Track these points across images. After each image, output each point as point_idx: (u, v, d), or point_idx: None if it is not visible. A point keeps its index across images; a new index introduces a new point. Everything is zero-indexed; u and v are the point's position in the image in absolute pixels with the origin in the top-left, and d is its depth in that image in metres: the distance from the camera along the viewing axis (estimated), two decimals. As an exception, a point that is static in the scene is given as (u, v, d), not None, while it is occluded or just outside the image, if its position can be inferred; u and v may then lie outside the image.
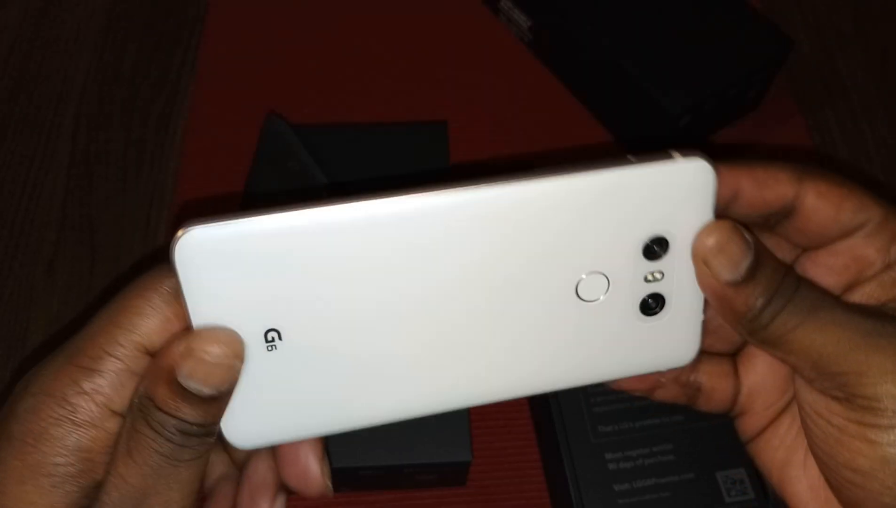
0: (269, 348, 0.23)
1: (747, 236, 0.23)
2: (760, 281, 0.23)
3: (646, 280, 0.24)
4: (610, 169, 0.23)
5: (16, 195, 0.49)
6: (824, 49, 0.55)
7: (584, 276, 0.24)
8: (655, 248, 0.24)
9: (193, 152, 0.50)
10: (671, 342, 0.25)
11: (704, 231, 0.24)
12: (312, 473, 0.25)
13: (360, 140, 0.49)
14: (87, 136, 0.51)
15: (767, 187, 0.24)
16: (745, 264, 0.23)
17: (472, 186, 0.23)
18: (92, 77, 0.53)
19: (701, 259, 0.24)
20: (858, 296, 0.25)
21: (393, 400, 0.24)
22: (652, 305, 0.25)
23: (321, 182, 0.45)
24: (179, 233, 0.21)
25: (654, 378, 0.27)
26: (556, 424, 0.36)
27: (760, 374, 0.27)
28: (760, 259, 0.23)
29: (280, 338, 0.23)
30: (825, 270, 0.25)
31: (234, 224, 0.22)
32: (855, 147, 0.51)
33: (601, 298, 0.24)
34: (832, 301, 0.24)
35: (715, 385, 0.27)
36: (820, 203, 0.25)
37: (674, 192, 0.24)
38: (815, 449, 0.25)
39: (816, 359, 0.23)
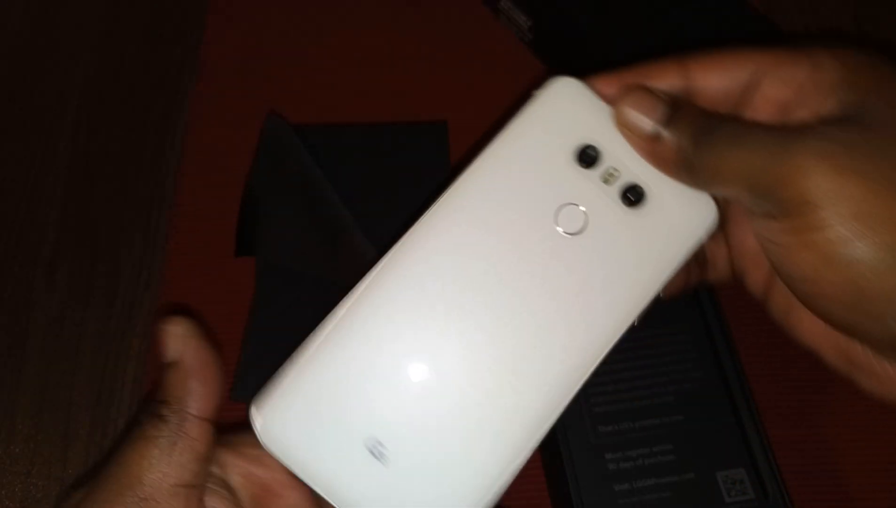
0: (376, 453, 0.24)
1: (656, 91, 0.26)
2: (681, 125, 0.25)
3: (606, 182, 0.26)
4: (516, 119, 0.26)
5: (16, 195, 0.49)
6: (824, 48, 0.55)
7: (557, 217, 0.26)
8: (589, 154, 0.26)
9: (194, 152, 0.50)
10: (685, 214, 0.26)
11: (616, 104, 0.26)
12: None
13: (360, 140, 0.49)
14: (87, 136, 0.51)
15: (723, 73, 0.26)
16: (659, 112, 0.25)
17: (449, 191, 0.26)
18: (92, 77, 0.53)
19: (623, 127, 0.26)
20: None
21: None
22: (633, 197, 0.26)
23: (321, 183, 0.45)
24: (257, 422, 0.24)
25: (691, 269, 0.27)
26: (556, 424, 0.37)
27: (740, 235, 0.28)
28: (677, 106, 0.25)
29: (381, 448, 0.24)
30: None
31: (293, 380, 0.24)
32: (855, 147, 0.51)
33: (589, 222, 0.26)
34: (754, 126, 0.24)
35: (713, 253, 0.29)
36: (708, 78, 0.26)
37: (566, 106, 0.26)
38: (781, 279, 0.25)
39: (749, 181, 0.23)
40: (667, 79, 0.26)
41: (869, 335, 0.24)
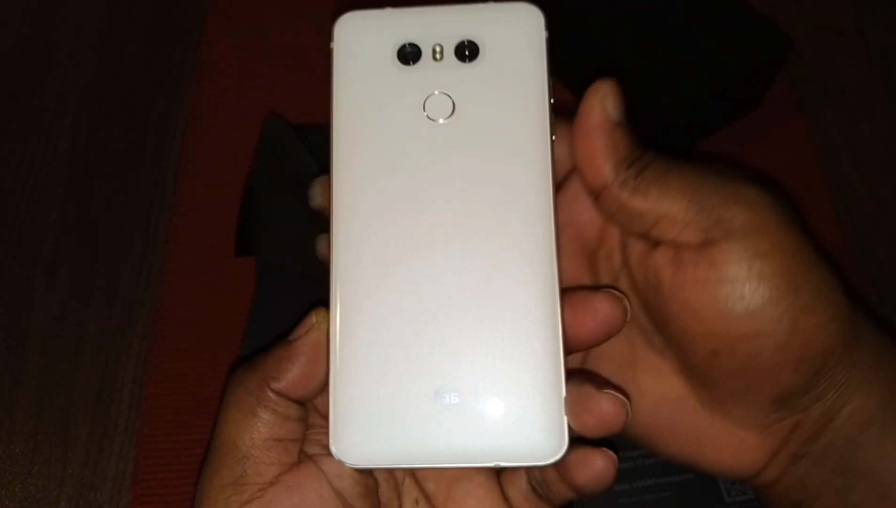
0: (448, 397, 0.25)
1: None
2: (630, 135, 0.27)
3: (438, 60, 0.27)
4: (334, 81, 0.28)
5: (16, 195, 0.49)
6: (824, 49, 0.55)
7: (429, 115, 0.27)
8: (409, 50, 0.27)
9: (193, 152, 0.50)
10: (519, 31, 0.27)
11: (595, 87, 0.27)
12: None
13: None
14: (87, 136, 0.51)
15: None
16: (621, 108, 0.27)
17: None
18: (92, 77, 0.53)
19: (595, 100, 0.27)
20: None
21: None
22: (469, 52, 0.27)
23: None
24: (343, 459, 0.25)
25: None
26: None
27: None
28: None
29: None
30: None
31: (341, 403, 0.25)
32: (855, 147, 0.51)
33: (453, 100, 0.27)
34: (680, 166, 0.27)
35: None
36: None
37: (360, 34, 0.28)
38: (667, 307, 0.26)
39: (693, 195, 0.26)
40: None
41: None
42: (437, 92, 0.27)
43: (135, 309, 0.45)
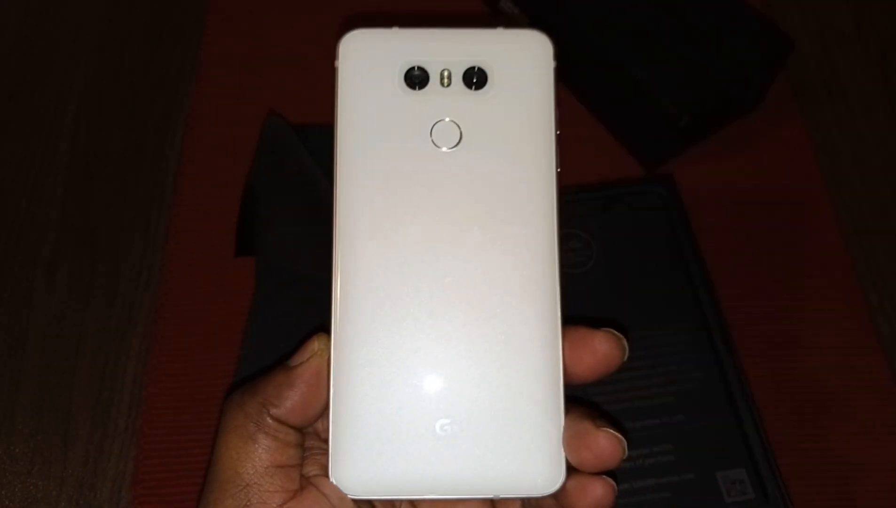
0: (448, 431, 0.25)
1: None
2: None
3: (447, 85, 0.26)
4: (340, 98, 0.27)
5: (16, 195, 0.49)
6: (824, 49, 0.55)
7: (435, 143, 0.26)
8: (417, 74, 0.27)
9: (193, 152, 0.50)
10: (528, 57, 0.27)
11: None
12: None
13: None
14: (88, 136, 0.51)
15: None
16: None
17: None
18: (92, 77, 0.53)
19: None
20: None
21: None
22: (478, 79, 0.26)
23: (320, 183, 0.45)
24: (343, 488, 0.25)
25: None
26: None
27: None
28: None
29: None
30: None
31: (342, 434, 0.25)
32: (854, 146, 0.51)
33: (460, 127, 0.26)
34: None
35: None
36: None
37: (367, 55, 0.27)
38: None
39: None
40: None
41: None
42: (445, 119, 0.26)
43: (135, 309, 0.45)
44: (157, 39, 0.55)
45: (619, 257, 0.41)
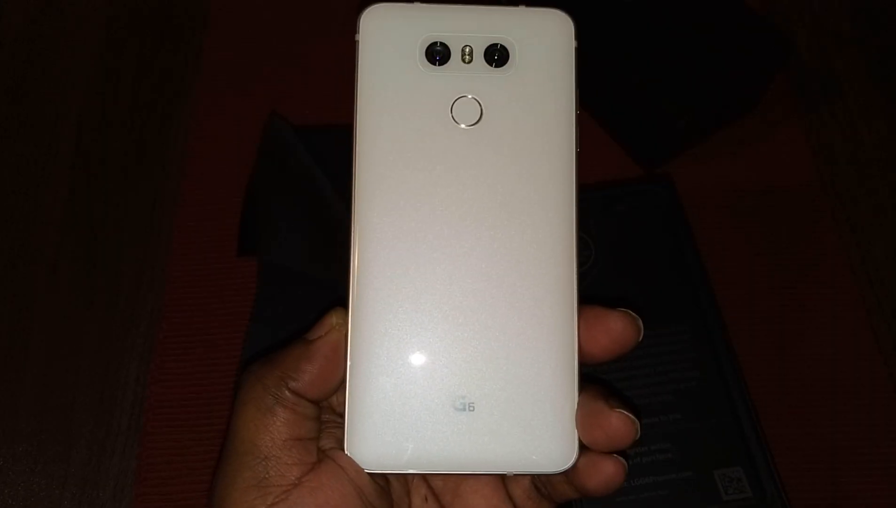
0: (466, 407, 0.25)
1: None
2: None
3: (469, 62, 0.26)
4: (361, 71, 0.26)
5: (18, 196, 0.49)
6: (822, 50, 0.55)
7: (455, 119, 0.26)
8: (439, 50, 0.26)
9: (196, 153, 0.50)
10: (550, 36, 0.27)
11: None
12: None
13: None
14: (90, 136, 0.51)
15: None
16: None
17: None
18: (94, 78, 0.53)
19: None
20: None
21: None
22: (499, 57, 0.26)
23: (322, 184, 0.45)
24: (359, 462, 0.25)
25: None
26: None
27: None
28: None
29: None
30: None
31: (358, 409, 0.25)
32: (853, 147, 0.51)
33: (482, 104, 0.26)
34: None
35: None
36: None
37: (387, 30, 0.27)
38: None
39: None
40: None
41: None
42: (466, 96, 0.26)
43: (137, 308, 0.45)
44: (159, 40, 0.55)
45: (618, 257, 0.41)
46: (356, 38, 0.26)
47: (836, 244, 0.47)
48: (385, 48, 0.26)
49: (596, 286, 0.40)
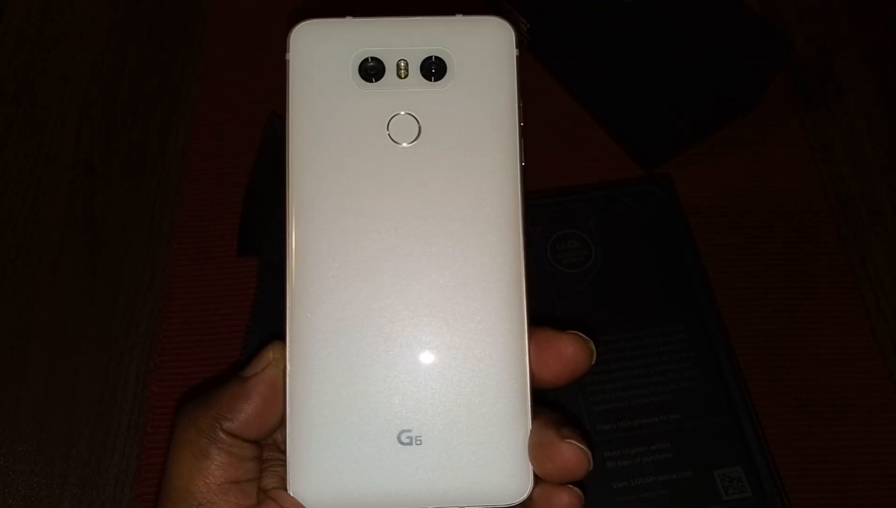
0: (411, 441, 0.24)
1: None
2: None
3: (403, 77, 0.25)
4: (291, 90, 0.26)
5: (19, 196, 0.49)
6: (822, 50, 0.55)
7: (392, 137, 0.25)
8: (372, 66, 0.25)
9: (196, 153, 0.50)
10: (487, 45, 0.26)
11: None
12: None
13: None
14: (90, 137, 0.51)
15: None
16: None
17: None
18: (95, 78, 0.53)
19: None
20: None
21: None
22: (436, 70, 0.25)
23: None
24: (306, 503, 0.24)
25: None
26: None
27: None
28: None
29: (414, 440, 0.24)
30: None
31: (300, 450, 0.24)
32: (852, 147, 0.51)
33: (419, 120, 0.25)
34: None
35: None
36: None
37: (317, 47, 0.26)
38: None
39: None
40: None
41: None
42: (402, 112, 0.25)
43: (138, 308, 0.45)
44: (159, 40, 0.55)
45: (618, 258, 0.41)
46: (286, 58, 0.25)
47: (836, 244, 0.47)
48: (316, 67, 0.25)
49: (596, 286, 0.40)
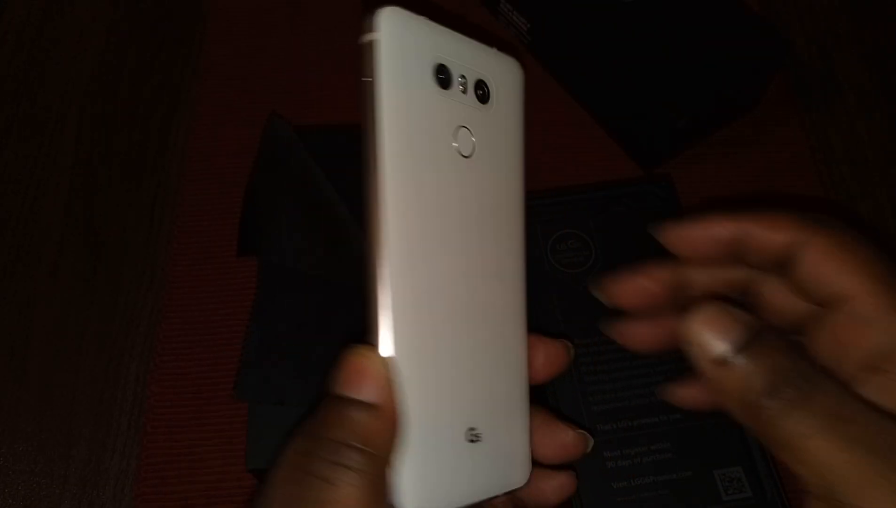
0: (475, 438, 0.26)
1: (739, 313, 0.22)
2: (761, 359, 0.21)
3: (465, 91, 0.26)
4: (378, 83, 0.25)
5: (19, 196, 0.49)
6: (821, 50, 0.55)
7: (456, 147, 0.26)
8: (443, 74, 0.26)
9: (196, 153, 0.50)
10: (507, 80, 0.28)
11: (688, 320, 0.22)
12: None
13: (361, 140, 0.49)
14: (91, 137, 0.51)
15: (775, 230, 0.24)
16: (735, 334, 0.21)
17: None
18: (95, 78, 0.53)
19: (687, 339, 0.22)
20: (874, 390, 0.21)
21: None
22: (482, 92, 0.27)
23: (322, 184, 0.45)
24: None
25: None
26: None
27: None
28: (762, 335, 0.21)
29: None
30: (830, 355, 0.23)
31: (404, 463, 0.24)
32: (852, 147, 0.51)
33: (473, 137, 0.26)
34: (856, 407, 0.20)
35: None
36: (819, 260, 0.23)
37: (402, 44, 0.25)
38: None
39: (835, 483, 0.19)
40: (785, 234, 0.24)
41: None
42: (466, 127, 0.26)
43: (138, 308, 0.45)
44: (159, 41, 0.55)
45: (618, 257, 0.41)
46: (371, 37, 0.24)
47: (836, 244, 0.47)
48: (405, 55, 0.25)
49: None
